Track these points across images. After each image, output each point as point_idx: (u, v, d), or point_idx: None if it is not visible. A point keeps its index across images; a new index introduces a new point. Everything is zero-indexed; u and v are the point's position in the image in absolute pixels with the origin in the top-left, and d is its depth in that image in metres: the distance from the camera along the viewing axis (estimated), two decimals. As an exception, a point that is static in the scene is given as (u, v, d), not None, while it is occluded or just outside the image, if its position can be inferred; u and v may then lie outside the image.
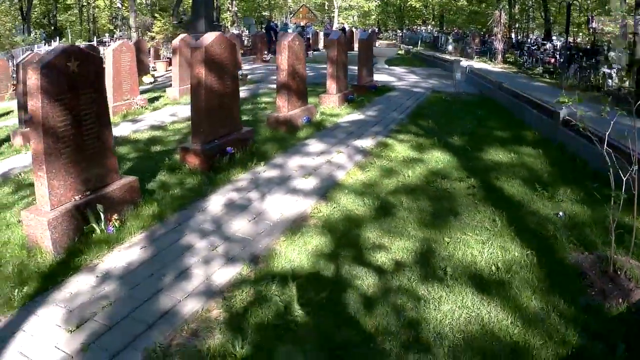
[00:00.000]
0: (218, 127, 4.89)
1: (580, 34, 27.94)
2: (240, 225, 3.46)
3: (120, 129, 6.81)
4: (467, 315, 2.41)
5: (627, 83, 11.48)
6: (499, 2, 23.26)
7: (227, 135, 5.04)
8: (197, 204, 3.89)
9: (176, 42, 9.37)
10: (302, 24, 24.05)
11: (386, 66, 15.44)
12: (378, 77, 11.45)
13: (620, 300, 2.48)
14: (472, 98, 9.30)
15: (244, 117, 6.91)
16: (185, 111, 7.80)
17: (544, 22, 25.39)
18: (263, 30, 19.90)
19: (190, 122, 4.93)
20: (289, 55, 6.28)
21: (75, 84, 3.22)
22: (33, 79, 2.97)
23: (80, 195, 3.35)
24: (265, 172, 4.68)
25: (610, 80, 11.78)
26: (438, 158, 5.10)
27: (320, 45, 23.34)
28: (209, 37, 4.68)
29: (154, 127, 6.91)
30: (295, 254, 3.05)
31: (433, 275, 2.80)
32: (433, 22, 40.60)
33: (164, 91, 9.80)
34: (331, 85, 8.05)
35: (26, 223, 3.19)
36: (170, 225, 3.49)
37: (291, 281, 2.70)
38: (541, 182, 4.20)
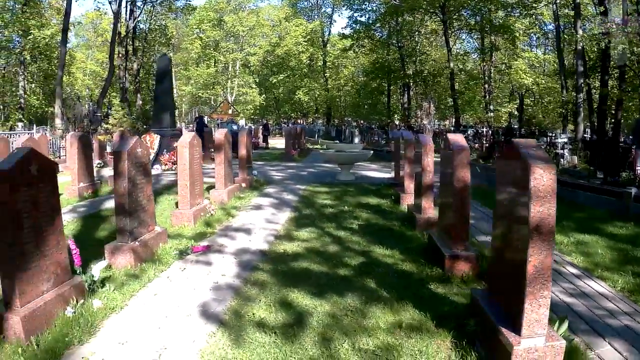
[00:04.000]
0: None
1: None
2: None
3: (241, 241, 6.28)
4: None
5: (575, 160, 14.69)
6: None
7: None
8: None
9: (220, 135, 9.15)
10: (224, 119, 24.32)
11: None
12: (376, 174, 13.03)
13: None
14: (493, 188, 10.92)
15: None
16: (262, 217, 7.69)
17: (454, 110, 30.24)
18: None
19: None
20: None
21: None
22: (545, 178, 2.95)
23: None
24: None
25: (562, 160, 14.98)
26: (586, 238, 6.36)
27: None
28: (458, 138, 5.09)
29: (278, 237, 6.50)
30: None
31: None
32: (316, 115, 44.57)
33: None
34: (409, 185, 8.71)
35: None
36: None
37: None
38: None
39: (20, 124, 27.46)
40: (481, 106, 33.40)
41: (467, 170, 4.96)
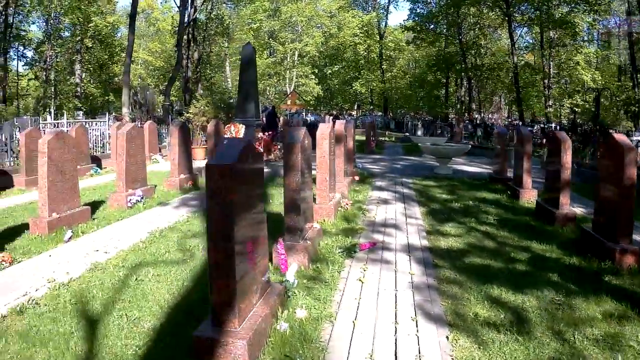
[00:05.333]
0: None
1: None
2: None
3: (398, 237, 6.53)
4: None
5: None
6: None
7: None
8: None
9: (340, 127, 9.36)
10: (292, 110, 24.96)
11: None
12: (469, 169, 13.75)
13: None
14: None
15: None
16: (397, 212, 7.95)
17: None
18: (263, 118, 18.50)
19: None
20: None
21: None
22: None
23: None
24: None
25: (636, 157, 15.12)
26: None
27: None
28: (623, 137, 5.51)
29: (429, 232, 6.75)
30: None
31: None
32: (371, 107, 44.95)
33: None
34: (527, 180, 9.14)
35: None
36: None
37: None
38: None
39: (80, 113, 27.44)
40: (535, 99, 33.17)
41: (635, 169, 5.36)
